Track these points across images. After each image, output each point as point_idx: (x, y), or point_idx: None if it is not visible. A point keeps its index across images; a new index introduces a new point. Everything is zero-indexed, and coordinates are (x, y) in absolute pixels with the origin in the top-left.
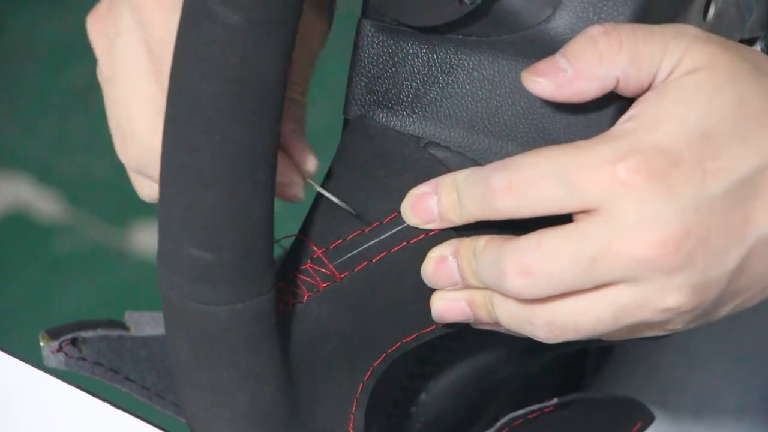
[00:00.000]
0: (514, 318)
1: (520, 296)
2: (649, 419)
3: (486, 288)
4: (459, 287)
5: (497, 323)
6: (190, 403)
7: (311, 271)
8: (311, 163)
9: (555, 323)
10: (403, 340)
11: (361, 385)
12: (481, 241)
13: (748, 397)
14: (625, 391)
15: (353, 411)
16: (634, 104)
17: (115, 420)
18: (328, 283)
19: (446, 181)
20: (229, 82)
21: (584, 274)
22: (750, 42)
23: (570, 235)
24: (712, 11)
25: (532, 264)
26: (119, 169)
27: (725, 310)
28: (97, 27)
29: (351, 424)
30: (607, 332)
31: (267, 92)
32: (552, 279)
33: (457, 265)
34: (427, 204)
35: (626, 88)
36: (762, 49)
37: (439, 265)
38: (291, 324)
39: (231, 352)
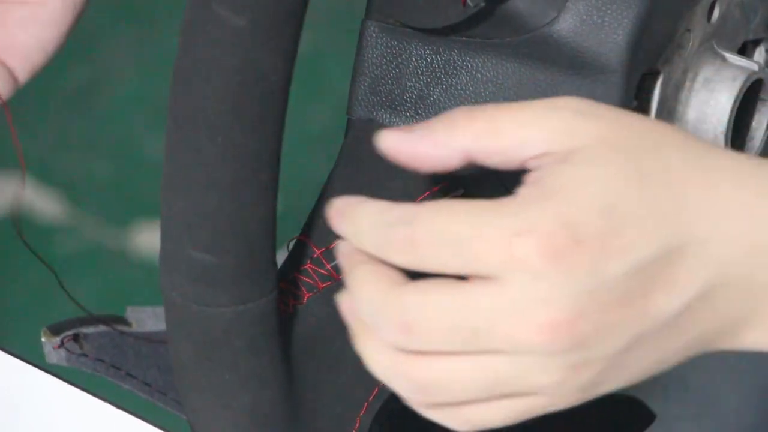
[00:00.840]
0: (382, 366)
1: (395, 347)
2: (650, 419)
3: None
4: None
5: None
6: (192, 404)
7: (311, 271)
8: None
9: (425, 385)
10: None
11: (376, 389)
12: (369, 284)
13: (749, 397)
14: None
15: (362, 414)
16: (536, 168)
17: (116, 420)
18: (328, 284)
19: (356, 211)
20: (232, 84)
21: (465, 342)
22: (755, 43)
23: (459, 300)
24: (716, 13)
25: (412, 323)
26: (120, 169)
27: (610, 386)
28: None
29: (356, 428)
30: (481, 397)
31: (269, 95)
32: (430, 341)
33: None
34: (337, 223)
35: (488, 160)
36: (766, 50)
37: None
38: (292, 325)
39: (233, 354)
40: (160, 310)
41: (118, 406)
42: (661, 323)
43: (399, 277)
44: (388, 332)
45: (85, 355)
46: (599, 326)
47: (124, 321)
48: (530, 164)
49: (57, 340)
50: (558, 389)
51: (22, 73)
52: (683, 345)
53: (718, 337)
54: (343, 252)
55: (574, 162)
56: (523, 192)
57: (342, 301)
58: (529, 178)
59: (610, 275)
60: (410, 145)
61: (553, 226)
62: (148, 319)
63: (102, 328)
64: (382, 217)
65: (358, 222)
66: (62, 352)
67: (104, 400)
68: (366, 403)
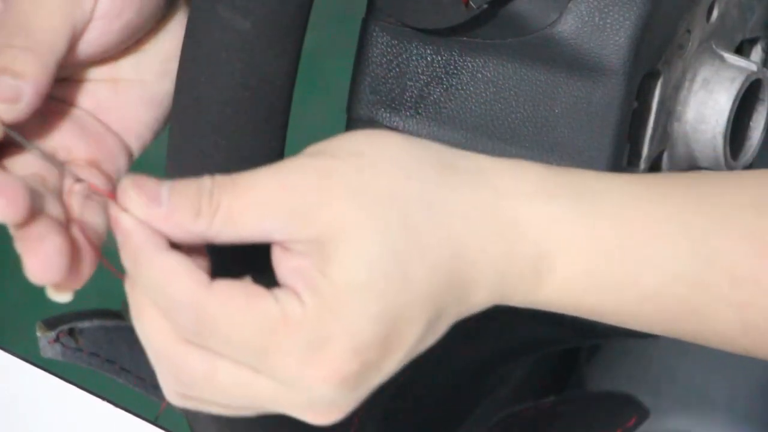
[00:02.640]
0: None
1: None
2: (644, 414)
3: None
4: None
5: None
6: None
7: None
8: None
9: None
10: None
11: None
12: (164, 337)
13: (739, 388)
14: (617, 381)
15: (360, 413)
16: (295, 253)
17: (112, 417)
18: None
19: (144, 260)
20: (236, 87)
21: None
22: (751, 42)
23: (244, 386)
24: (715, 13)
25: (192, 396)
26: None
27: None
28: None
29: (354, 426)
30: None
31: (273, 97)
32: (208, 410)
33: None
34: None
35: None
36: (763, 49)
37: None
38: None
39: None
40: None
41: (116, 404)
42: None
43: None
44: (168, 394)
45: (80, 350)
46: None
47: (119, 315)
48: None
49: (52, 334)
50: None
51: (137, 151)
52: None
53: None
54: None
55: (335, 268)
56: (304, 307)
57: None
58: (295, 270)
59: (391, 368)
60: (149, 213)
61: (342, 355)
62: None
63: (97, 322)
64: (172, 287)
65: (148, 272)
66: (57, 346)
67: (102, 398)
68: (365, 403)
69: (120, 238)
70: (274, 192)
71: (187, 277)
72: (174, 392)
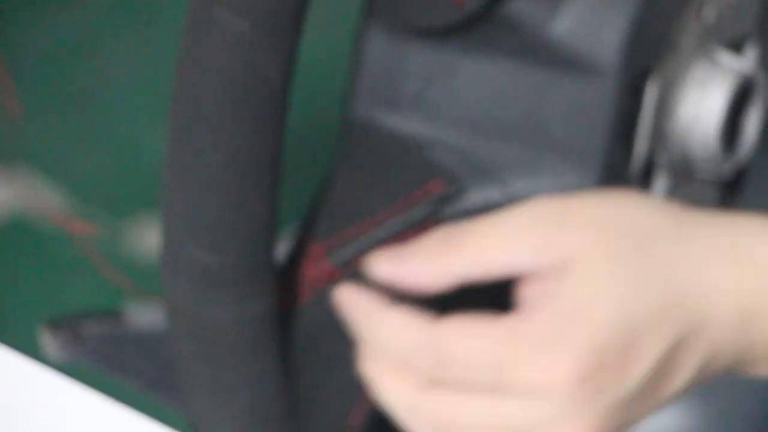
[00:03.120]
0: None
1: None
2: None
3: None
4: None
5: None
6: (192, 401)
7: (310, 271)
8: None
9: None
10: None
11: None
12: (409, 391)
13: (740, 390)
14: None
15: (359, 411)
16: (536, 279)
17: (115, 415)
18: (326, 282)
19: (376, 319)
20: (233, 87)
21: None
22: (746, 43)
23: (490, 415)
24: (709, 13)
25: (449, 429)
26: (122, 169)
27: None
28: None
29: (353, 424)
30: None
31: (270, 97)
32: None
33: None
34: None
35: (482, 280)
36: (757, 50)
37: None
38: (290, 323)
39: (233, 354)
40: (158, 307)
41: (119, 402)
42: (667, 399)
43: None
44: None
45: (85, 351)
46: (620, 423)
47: (122, 317)
48: (525, 275)
49: (57, 335)
50: None
51: None
52: (691, 388)
53: (724, 374)
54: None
55: (574, 280)
56: (540, 314)
57: (364, 345)
58: (535, 291)
59: (633, 383)
60: (403, 270)
61: (579, 353)
62: (146, 315)
63: (101, 324)
64: (405, 334)
65: (379, 333)
66: (62, 347)
67: (105, 395)
68: (364, 401)
69: (349, 315)
70: (520, 225)
71: (417, 321)
72: None
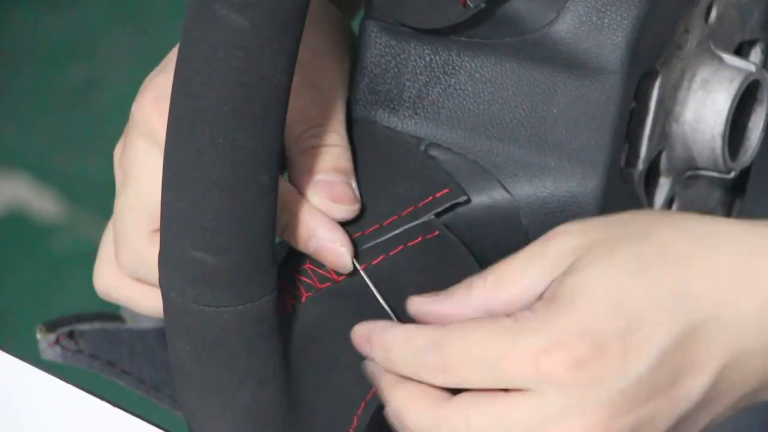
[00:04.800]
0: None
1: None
2: None
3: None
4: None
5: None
6: (190, 403)
7: (309, 271)
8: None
9: None
10: None
11: (373, 389)
12: (413, 403)
13: None
14: None
15: (359, 413)
16: (555, 282)
17: (112, 418)
18: (327, 284)
19: (383, 338)
20: (233, 85)
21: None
22: (750, 44)
23: (496, 416)
24: (713, 14)
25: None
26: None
27: None
28: (117, 153)
29: (352, 427)
30: None
31: (271, 96)
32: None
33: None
34: (363, 348)
35: (507, 309)
36: (762, 51)
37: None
38: (290, 324)
39: (232, 354)
40: None
41: (115, 405)
42: (694, 403)
43: (440, 393)
44: None
45: (81, 352)
46: (635, 422)
47: (118, 318)
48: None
49: (52, 336)
50: None
51: None
52: (724, 411)
53: (758, 394)
54: (374, 372)
55: (578, 269)
56: (540, 307)
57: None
58: (544, 294)
59: (636, 372)
60: (436, 308)
61: (573, 338)
62: (142, 316)
63: (97, 325)
64: (410, 344)
65: (387, 349)
66: (57, 348)
67: (102, 398)
68: (363, 402)
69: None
70: (534, 252)
71: (426, 328)
72: None
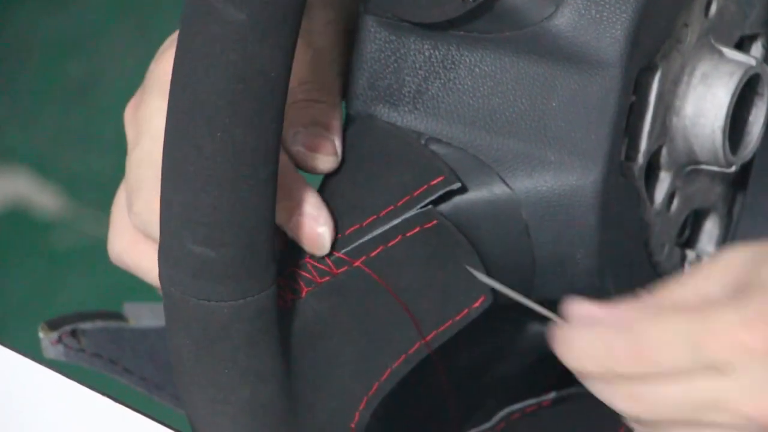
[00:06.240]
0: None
1: (624, 414)
2: None
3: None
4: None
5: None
6: (190, 398)
7: (309, 266)
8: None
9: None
10: (421, 341)
11: (376, 384)
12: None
13: None
14: None
15: (361, 408)
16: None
17: (114, 414)
18: (326, 278)
19: (572, 336)
20: (231, 79)
21: (691, 413)
22: (751, 38)
23: (688, 388)
24: (713, 8)
25: (642, 396)
26: (119, 164)
27: None
28: (130, 110)
29: (354, 421)
30: None
31: (269, 90)
32: (658, 416)
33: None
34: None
35: None
36: (763, 45)
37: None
38: (290, 319)
39: (232, 348)
40: (157, 306)
41: (117, 401)
42: None
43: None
44: (619, 402)
45: (83, 351)
46: None
47: (121, 317)
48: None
49: (55, 335)
50: None
51: None
52: None
53: None
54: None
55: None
56: (731, 295)
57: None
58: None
59: None
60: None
61: None
62: (144, 315)
63: (99, 323)
64: (599, 336)
65: (577, 347)
66: (60, 347)
67: (104, 394)
68: (365, 398)
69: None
70: (713, 270)
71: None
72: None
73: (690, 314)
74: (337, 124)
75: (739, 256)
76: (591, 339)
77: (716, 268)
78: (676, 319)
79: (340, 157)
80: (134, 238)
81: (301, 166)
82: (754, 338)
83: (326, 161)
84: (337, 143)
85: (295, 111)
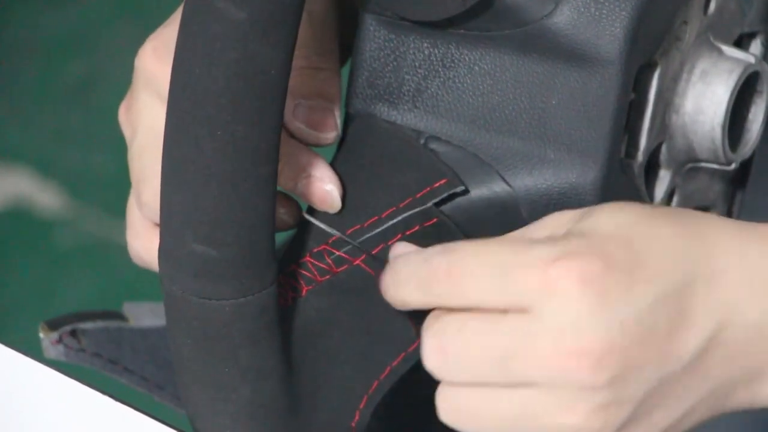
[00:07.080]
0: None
1: (434, 374)
2: None
3: None
4: None
5: None
6: (191, 397)
7: (310, 265)
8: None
9: (458, 410)
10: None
11: (375, 383)
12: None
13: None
14: None
15: (361, 407)
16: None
17: (115, 413)
18: (327, 277)
19: (395, 262)
20: (231, 77)
21: (498, 369)
22: (750, 36)
23: (494, 327)
24: (713, 6)
25: (448, 346)
26: (120, 163)
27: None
28: (122, 112)
29: (355, 420)
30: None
31: (269, 88)
32: (465, 366)
33: None
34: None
35: None
36: (762, 43)
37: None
38: (290, 318)
39: (232, 347)
40: (156, 306)
41: (118, 399)
42: (682, 366)
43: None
44: (428, 356)
45: (83, 350)
46: (627, 364)
47: (121, 316)
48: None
49: (55, 335)
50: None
51: None
52: (703, 396)
53: (736, 390)
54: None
55: (592, 213)
56: (555, 236)
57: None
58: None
59: (637, 305)
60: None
61: (586, 254)
62: (145, 314)
63: (100, 323)
64: (419, 256)
65: (398, 269)
66: (60, 347)
67: (104, 393)
68: (366, 396)
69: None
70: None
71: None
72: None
73: (507, 247)
74: (337, 92)
75: (571, 212)
76: (417, 260)
77: (549, 219)
78: (493, 250)
79: (339, 131)
80: (150, 236)
81: (301, 141)
82: (560, 273)
83: (325, 138)
84: (337, 116)
85: (297, 79)
